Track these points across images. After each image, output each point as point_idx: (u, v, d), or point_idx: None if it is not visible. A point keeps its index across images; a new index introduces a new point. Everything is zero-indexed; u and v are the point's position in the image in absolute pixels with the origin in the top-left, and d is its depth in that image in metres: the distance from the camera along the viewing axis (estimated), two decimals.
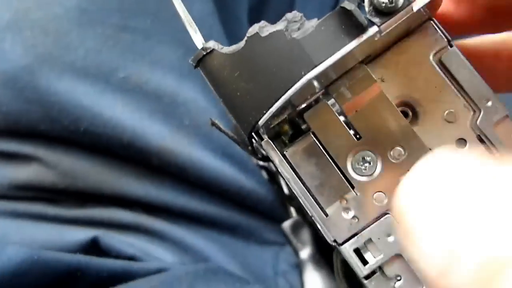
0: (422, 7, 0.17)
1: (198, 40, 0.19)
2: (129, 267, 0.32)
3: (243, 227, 0.39)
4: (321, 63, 0.17)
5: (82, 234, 0.34)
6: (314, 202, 0.19)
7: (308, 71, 0.17)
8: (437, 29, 0.19)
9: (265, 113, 0.17)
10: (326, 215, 0.19)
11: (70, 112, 0.35)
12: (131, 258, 0.34)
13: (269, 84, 0.17)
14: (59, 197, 0.37)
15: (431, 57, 0.19)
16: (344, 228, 0.19)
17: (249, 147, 0.21)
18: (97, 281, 0.30)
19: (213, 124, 0.22)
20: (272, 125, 0.19)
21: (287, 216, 0.39)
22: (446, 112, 0.19)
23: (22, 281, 0.27)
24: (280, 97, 0.17)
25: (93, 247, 0.34)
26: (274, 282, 0.36)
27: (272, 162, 0.20)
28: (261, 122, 0.18)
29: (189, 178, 0.37)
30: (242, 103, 0.18)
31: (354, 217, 0.19)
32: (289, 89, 0.17)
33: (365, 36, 0.17)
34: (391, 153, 0.19)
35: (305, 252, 0.37)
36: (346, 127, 0.19)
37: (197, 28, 0.20)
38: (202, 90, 0.38)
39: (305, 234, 0.38)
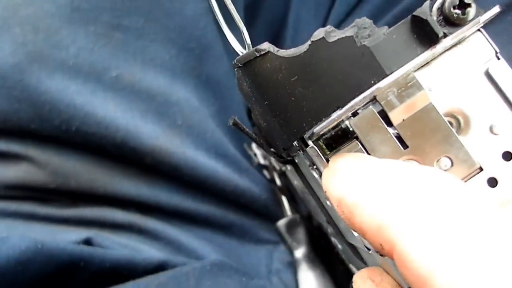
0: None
1: (246, 38, 0.19)
2: (132, 258, 0.32)
3: (237, 226, 0.39)
4: (392, 72, 0.17)
5: (75, 235, 0.33)
6: None
7: (379, 80, 0.17)
8: (486, 39, 0.19)
9: (324, 120, 0.17)
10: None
11: (62, 111, 0.34)
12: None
13: (332, 90, 0.17)
14: (50, 197, 0.36)
15: (478, 68, 0.19)
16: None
17: (272, 149, 0.20)
18: (100, 272, 0.30)
19: (235, 123, 0.21)
20: (321, 133, 0.19)
21: (282, 215, 0.39)
22: (492, 124, 0.19)
23: (26, 268, 0.27)
24: (346, 104, 0.17)
25: None
26: (268, 281, 0.36)
27: (313, 165, 0.19)
28: (318, 128, 0.17)
29: (182, 177, 0.37)
30: (296, 108, 0.17)
31: None
32: (356, 97, 0.17)
33: (439, 47, 0.16)
34: (438, 163, 0.18)
35: (299, 251, 0.37)
36: (393, 136, 0.18)
37: (245, 29, 0.19)
38: (195, 90, 0.38)
39: (300, 233, 0.38)
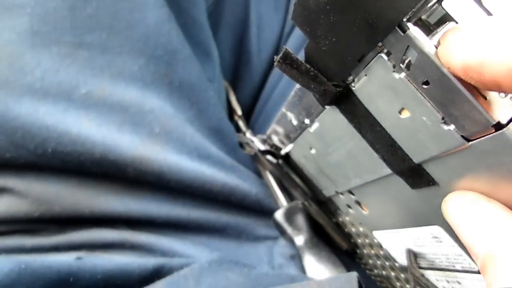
0: None
1: None
2: (125, 267, 0.30)
3: (232, 226, 0.38)
4: None
5: (64, 258, 0.32)
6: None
7: None
8: None
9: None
10: (485, 98, 0.17)
11: (35, 135, 0.33)
12: None
13: None
14: (36, 226, 0.35)
15: None
16: (506, 106, 0.16)
17: (326, 81, 0.19)
18: (92, 285, 0.29)
19: (286, 56, 0.19)
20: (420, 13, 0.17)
21: (277, 207, 0.38)
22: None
23: None
24: None
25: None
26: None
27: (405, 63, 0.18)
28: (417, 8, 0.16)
29: (168, 184, 0.36)
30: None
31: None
32: None
33: None
34: None
35: (301, 238, 0.35)
36: None
37: None
38: (168, 96, 0.38)
39: (300, 220, 0.36)
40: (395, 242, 0.27)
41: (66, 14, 0.35)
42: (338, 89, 0.21)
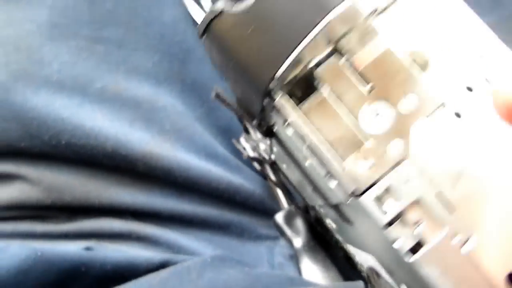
0: None
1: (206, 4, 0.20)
2: (133, 260, 0.32)
3: (235, 224, 0.39)
4: (335, 7, 0.18)
5: (74, 247, 0.33)
6: (336, 153, 0.19)
7: (323, 18, 0.18)
8: None
9: (281, 65, 0.18)
10: (343, 168, 0.19)
11: (50, 126, 0.34)
12: None
13: (287, 33, 0.18)
14: (46, 213, 0.36)
15: (436, 7, 0.20)
16: (362, 179, 0.19)
17: (254, 119, 0.21)
18: (101, 275, 0.30)
19: (217, 96, 0.22)
20: (286, 81, 0.19)
21: (279, 208, 0.39)
22: (452, 58, 0.19)
23: (27, 277, 0.27)
24: (298, 45, 0.18)
25: None
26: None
27: (285, 120, 0.20)
28: (278, 73, 0.18)
29: (176, 180, 0.37)
30: (257, 60, 0.18)
31: (371, 167, 0.19)
32: (310, 34, 0.18)
33: None
34: (403, 102, 0.19)
35: (299, 241, 0.37)
36: (357, 81, 0.19)
37: None
38: (180, 95, 0.39)
39: (299, 223, 0.38)
40: (361, 257, 0.29)
41: (85, 8, 0.36)
42: (262, 129, 0.23)
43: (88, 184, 0.36)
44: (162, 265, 0.32)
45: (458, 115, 0.19)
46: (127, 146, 0.35)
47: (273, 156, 0.35)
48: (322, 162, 0.20)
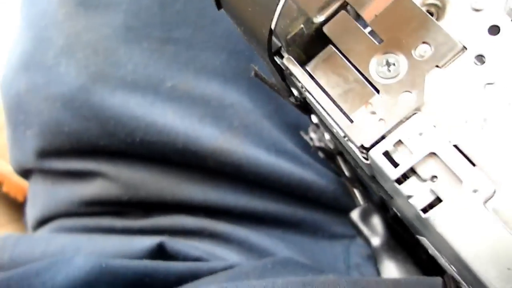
0: None
1: None
2: (196, 269, 0.32)
3: (308, 222, 0.37)
4: None
5: (149, 241, 0.34)
6: (338, 110, 0.18)
7: None
8: None
9: (273, 16, 0.17)
10: (351, 121, 0.18)
11: (126, 125, 0.36)
12: (197, 260, 0.33)
13: None
14: (124, 209, 0.38)
15: None
16: (370, 132, 0.18)
17: (288, 92, 0.20)
18: (165, 285, 0.30)
19: (256, 74, 0.22)
20: (289, 36, 0.19)
21: (354, 205, 0.37)
22: (473, 1, 0.18)
23: None
24: None
25: (160, 253, 0.34)
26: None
27: (296, 80, 0.19)
28: (273, 25, 0.18)
29: (246, 176, 0.36)
30: (256, 18, 0.18)
31: (380, 119, 0.18)
32: None
33: None
34: (416, 51, 0.18)
35: (377, 240, 0.34)
36: (366, 33, 0.19)
37: None
38: (247, 92, 0.38)
39: (376, 221, 0.35)
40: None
41: (157, 10, 0.37)
42: (295, 102, 0.22)
43: (161, 180, 0.37)
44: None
45: (481, 60, 0.18)
46: (197, 142, 0.36)
47: (339, 147, 0.33)
48: (332, 122, 0.19)
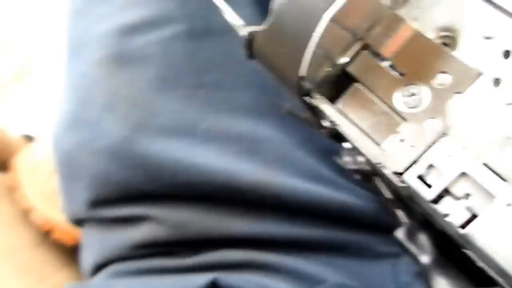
0: None
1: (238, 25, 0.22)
2: None
3: (353, 244, 0.38)
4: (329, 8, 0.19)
5: (203, 278, 0.35)
6: (369, 140, 0.20)
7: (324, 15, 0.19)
8: None
9: (301, 63, 0.20)
10: (383, 149, 0.20)
11: (168, 169, 0.38)
12: None
13: (300, 37, 0.19)
14: (174, 249, 0.39)
15: None
16: (402, 158, 0.19)
17: (319, 124, 0.22)
18: None
19: (289, 111, 0.25)
20: (318, 79, 0.21)
21: (397, 223, 0.37)
22: (484, 30, 0.19)
23: None
24: (309, 42, 0.19)
25: None
26: None
27: (328, 118, 0.21)
28: (301, 72, 0.20)
29: (287, 206, 0.37)
30: (286, 66, 0.20)
31: (410, 146, 0.19)
32: (314, 33, 0.19)
33: None
34: (436, 80, 0.19)
35: (426, 257, 0.34)
36: (388, 68, 0.20)
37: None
38: (279, 125, 0.40)
39: (422, 238, 0.35)
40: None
41: (186, 59, 0.40)
42: (329, 133, 0.24)
43: (206, 218, 0.38)
44: None
45: (497, 82, 0.19)
46: (236, 178, 0.37)
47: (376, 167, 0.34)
48: (365, 152, 0.21)
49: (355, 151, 0.32)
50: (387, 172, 0.20)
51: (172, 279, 0.37)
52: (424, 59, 0.20)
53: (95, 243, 0.43)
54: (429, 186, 0.19)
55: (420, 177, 0.19)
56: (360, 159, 0.37)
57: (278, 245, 0.38)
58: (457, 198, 0.18)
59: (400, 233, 0.36)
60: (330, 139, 0.27)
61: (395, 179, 0.20)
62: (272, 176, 0.38)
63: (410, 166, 0.19)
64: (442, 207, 0.19)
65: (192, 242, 0.39)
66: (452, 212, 0.18)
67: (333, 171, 0.39)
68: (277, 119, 0.40)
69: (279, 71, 0.21)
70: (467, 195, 0.18)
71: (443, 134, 0.19)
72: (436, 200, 0.19)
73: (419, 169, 0.19)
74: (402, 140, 0.19)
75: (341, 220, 0.38)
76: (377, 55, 0.21)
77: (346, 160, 0.38)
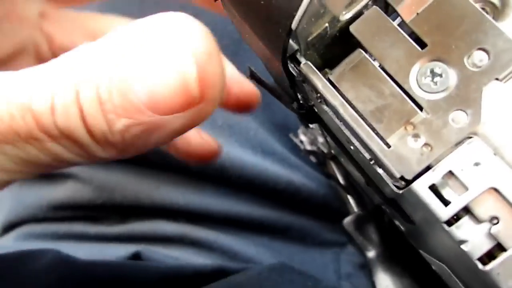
0: None
1: None
2: (181, 269, 0.29)
3: (296, 228, 0.35)
4: None
5: (123, 250, 0.31)
6: (371, 131, 0.15)
7: None
8: None
9: (295, 14, 0.14)
10: (388, 146, 0.15)
11: None
12: None
13: None
14: (98, 214, 0.35)
15: None
16: (413, 160, 0.14)
17: (291, 98, 0.17)
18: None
19: (252, 75, 0.19)
20: (311, 38, 0.15)
21: (346, 211, 0.34)
22: None
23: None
24: None
25: None
26: (338, 287, 0.32)
27: (316, 92, 0.15)
28: (294, 25, 0.14)
29: (230, 179, 0.34)
30: (272, 14, 0.14)
31: (425, 144, 0.14)
32: None
33: None
34: (469, 59, 0.14)
35: (372, 250, 0.32)
36: (405, 35, 0.15)
37: None
38: None
39: (371, 230, 0.33)
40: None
41: None
42: (301, 111, 0.19)
43: (139, 183, 0.34)
44: (214, 275, 0.29)
45: None
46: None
47: (333, 151, 0.30)
48: (362, 142, 0.15)
49: (331, 135, 0.28)
50: (385, 174, 0.15)
51: (90, 247, 0.33)
52: (457, 26, 0.14)
53: (8, 199, 0.37)
54: (445, 201, 0.14)
55: (434, 188, 0.14)
56: (320, 139, 0.33)
57: (216, 221, 0.34)
58: (480, 221, 0.14)
59: (349, 222, 0.33)
60: (300, 118, 0.22)
61: (390, 183, 0.15)
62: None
63: (423, 172, 0.14)
64: (458, 230, 0.14)
65: (119, 209, 0.35)
66: (471, 239, 0.14)
67: (285, 148, 0.36)
68: None
69: (259, 19, 0.15)
70: (493, 218, 0.14)
71: (472, 133, 0.14)
72: (451, 221, 0.14)
73: (434, 177, 0.14)
74: (415, 136, 0.14)
75: (286, 201, 0.34)
76: (392, 14, 0.15)
77: (302, 139, 0.35)
